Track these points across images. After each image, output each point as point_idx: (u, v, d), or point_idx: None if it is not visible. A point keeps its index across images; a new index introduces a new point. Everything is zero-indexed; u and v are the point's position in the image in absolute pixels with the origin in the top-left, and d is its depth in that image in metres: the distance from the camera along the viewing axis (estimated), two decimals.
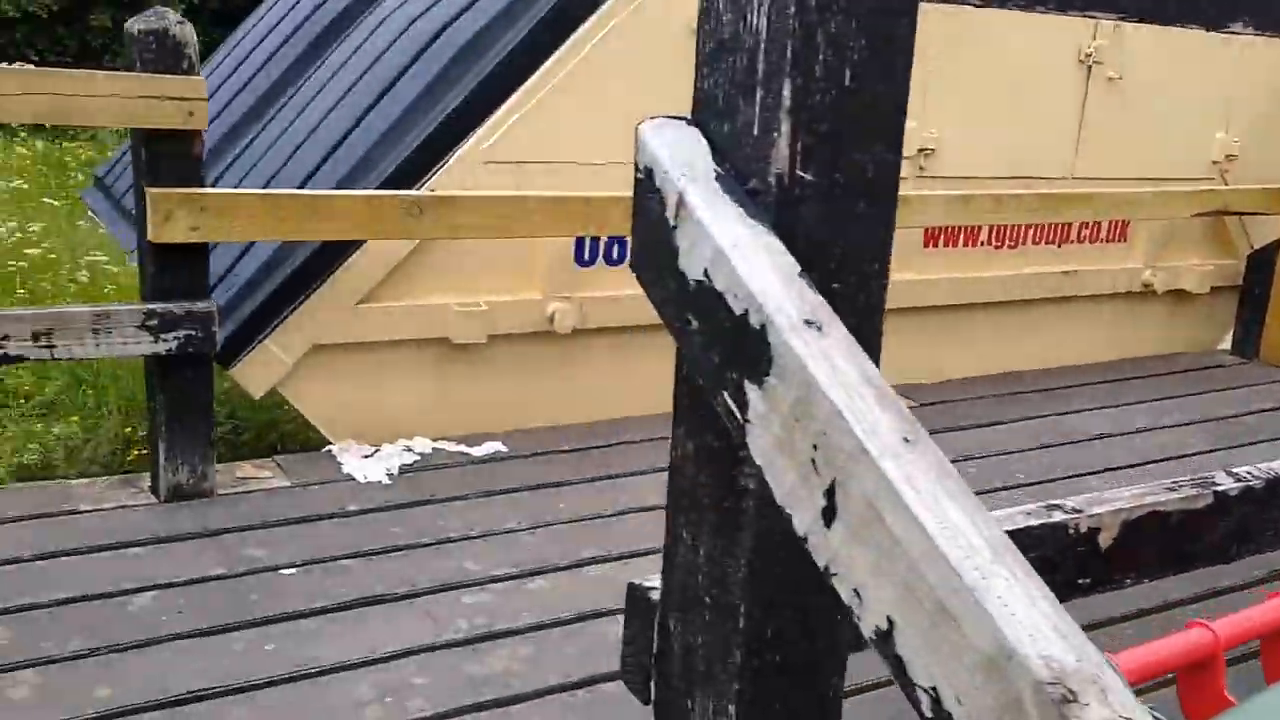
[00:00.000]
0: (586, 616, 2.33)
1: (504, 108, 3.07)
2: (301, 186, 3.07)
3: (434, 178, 3.02)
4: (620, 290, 3.43)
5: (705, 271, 0.85)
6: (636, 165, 0.94)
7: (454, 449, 3.15)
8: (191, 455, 2.68)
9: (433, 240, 3.02)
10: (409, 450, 3.10)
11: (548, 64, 3.10)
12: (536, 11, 3.09)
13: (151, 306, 2.53)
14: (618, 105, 3.24)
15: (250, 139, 3.53)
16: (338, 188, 2.98)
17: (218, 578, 2.37)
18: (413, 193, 2.80)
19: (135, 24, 2.42)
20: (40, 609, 2.19)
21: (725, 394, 0.84)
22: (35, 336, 2.41)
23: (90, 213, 4.50)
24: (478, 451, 3.15)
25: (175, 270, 2.56)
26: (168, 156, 2.48)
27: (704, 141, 0.91)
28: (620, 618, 2.30)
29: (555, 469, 3.09)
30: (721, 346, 0.85)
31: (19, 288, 5.93)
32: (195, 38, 2.47)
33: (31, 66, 11.64)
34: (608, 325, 3.41)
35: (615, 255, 3.42)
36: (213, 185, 3.39)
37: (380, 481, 2.91)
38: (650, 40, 3.23)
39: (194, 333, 2.57)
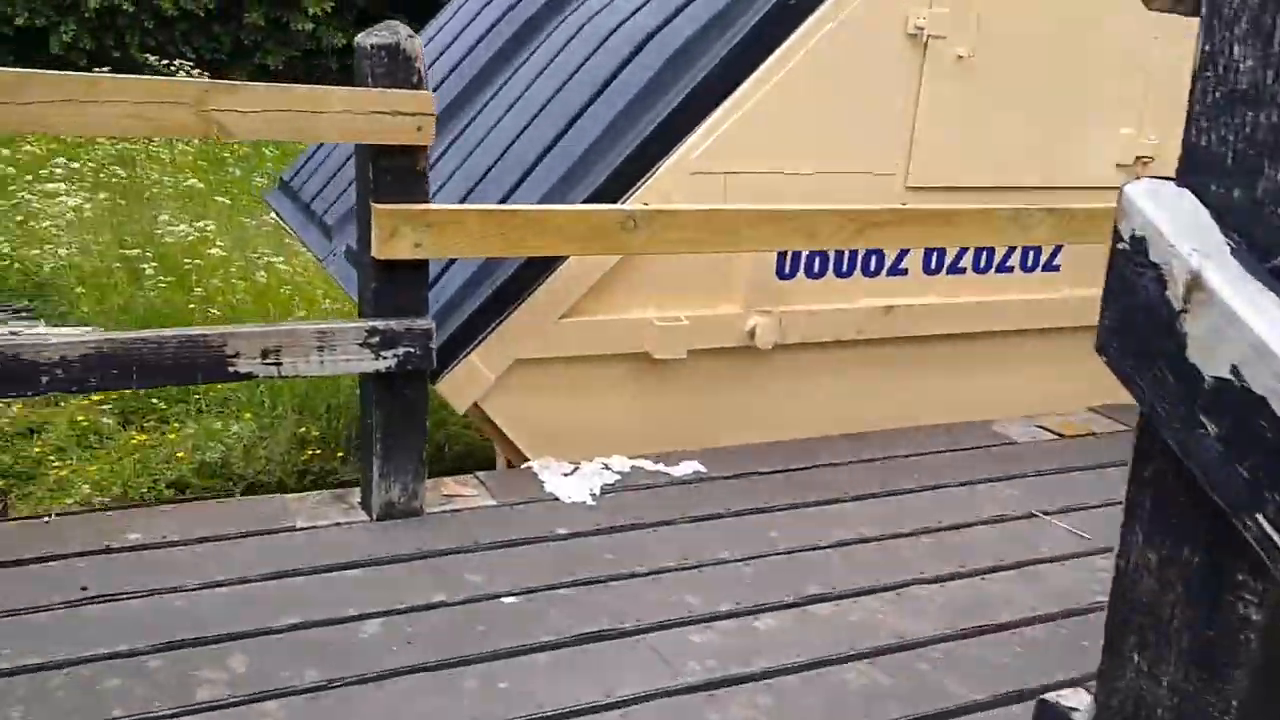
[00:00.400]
0: (823, 662, 2.21)
1: (713, 116, 2.96)
2: (506, 198, 3.01)
3: (641, 189, 2.93)
4: (820, 304, 3.30)
5: (1234, 369, 0.72)
6: (1118, 232, 0.81)
7: (652, 468, 3.06)
8: (404, 473, 2.65)
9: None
10: (607, 469, 3.02)
11: (758, 72, 2.98)
12: (750, 18, 2.97)
13: (373, 324, 2.49)
14: (826, 113, 3.12)
15: (446, 145, 3.49)
16: (544, 199, 2.92)
17: (440, 605, 2.31)
18: (629, 207, 2.71)
19: (367, 38, 2.37)
20: (273, 635, 2.16)
21: (1262, 518, 0.70)
22: (264, 354, 2.39)
23: (275, 215, 4.54)
24: (677, 471, 3.06)
25: (396, 287, 2.52)
26: (393, 172, 2.44)
27: (1203, 208, 0.78)
28: (860, 665, 2.22)
29: (758, 492, 2.97)
30: (1259, 461, 0.71)
31: (195, 285, 6.09)
32: (423, 50, 2.42)
33: (188, 65, 12.02)
34: (807, 340, 3.29)
35: (816, 268, 3.29)
36: None
37: (584, 502, 2.84)
38: (864, 48, 3.09)
39: (413, 350, 2.53)
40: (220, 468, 4.78)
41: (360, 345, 2.48)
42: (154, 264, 6.38)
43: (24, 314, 7.10)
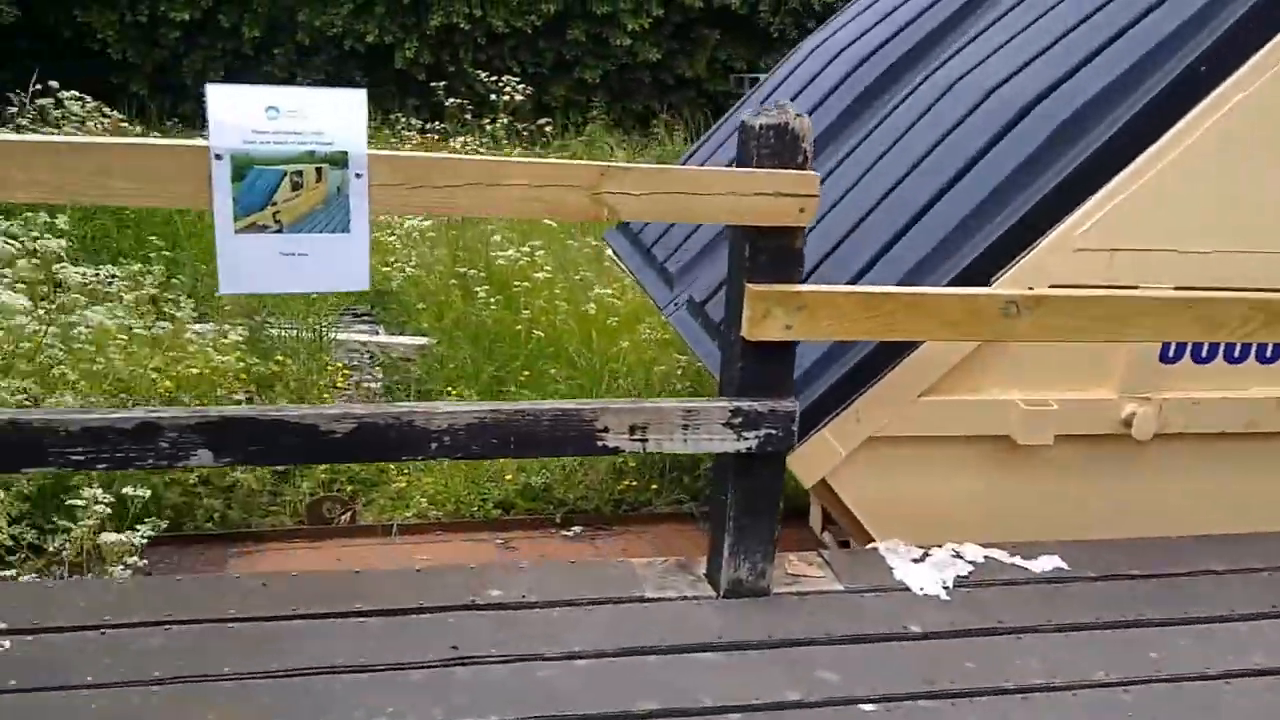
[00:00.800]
0: None
1: (1104, 190, 2.73)
2: (868, 267, 2.90)
3: (1016, 266, 2.74)
4: (1207, 392, 2.99)
5: None
6: None
7: (1008, 560, 2.86)
8: (754, 553, 2.59)
9: None
10: (958, 557, 2.85)
11: (1160, 143, 2.72)
12: (1154, 85, 2.71)
13: (737, 404, 2.44)
14: (1232, 188, 2.81)
15: None
16: (910, 272, 2.79)
17: (797, 706, 2.24)
18: (1011, 292, 2.53)
19: (757, 119, 2.33)
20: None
21: None
22: (632, 430, 2.40)
23: (612, 253, 4.64)
24: (1035, 566, 2.84)
25: (762, 367, 2.46)
26: (769, 251, 2.38)
27: None
28: None
29: (1131, 600, 2.71)
30: None
31: (523, 307, 6.35)
32: (811, 130, 2.34)
33: (514, 81, 12.64)
34: (1189, 430, 2.98)
35: (1204, 352, 2.98)
36: None
37: (937, 596, 2.68)
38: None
39: (775, 431, 2.46)
40: (542, 491, 4.95)
41: (724, 425, 2.44)
42: (485, 284, 6.72)
43: (365, 318, 7.67)
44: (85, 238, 7.46)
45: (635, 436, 2.41)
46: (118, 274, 5.50)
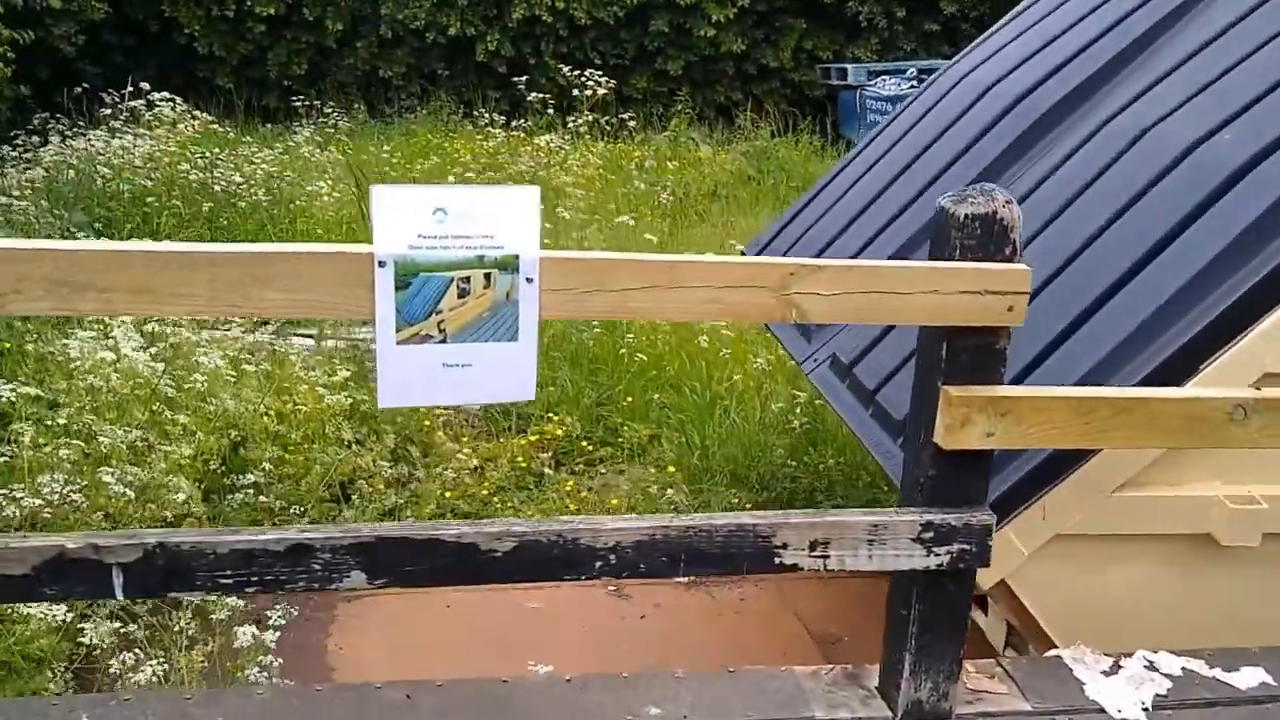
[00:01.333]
0: None
1: None
2: (1050, 351, 2.65)
3: (1228, 353, 2.47)
4: None
5: None
6: None
7: (1208, 673, 2.60)
8: (936, 672, 2.36)
9: None
10: (1153, 669, 2.60)
11: None
12: None
13: (928, 517, 2.21)
14: None
15: None
16: (1105, 364, 2.53)
17: None
18: (1237, 393, 2.26)
19: (959, 206, 2.08)
20: None
21: None
22: (812, 545, 2.18)
23: None
24: (1240, 681, 2.58)
25: (956, 476, 2.23)
26: (970, 350, 2.14)
27: None
28: None
29: None
30: None
31: (625, 330, 6.13)
32: (1020, 217, 2.10)
33: (596, 75, 12.39)
34: None
35: None
36: None
37: None
38: None
39: (968, 547, 2.23)
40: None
41: (913, 540, 2.22)
42: None
43: None
44: None
45: (815, 553, 2.19)
46: None
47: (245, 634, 3.04)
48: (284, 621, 3.64)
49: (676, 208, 10.32)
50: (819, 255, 3.79)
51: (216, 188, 8.30)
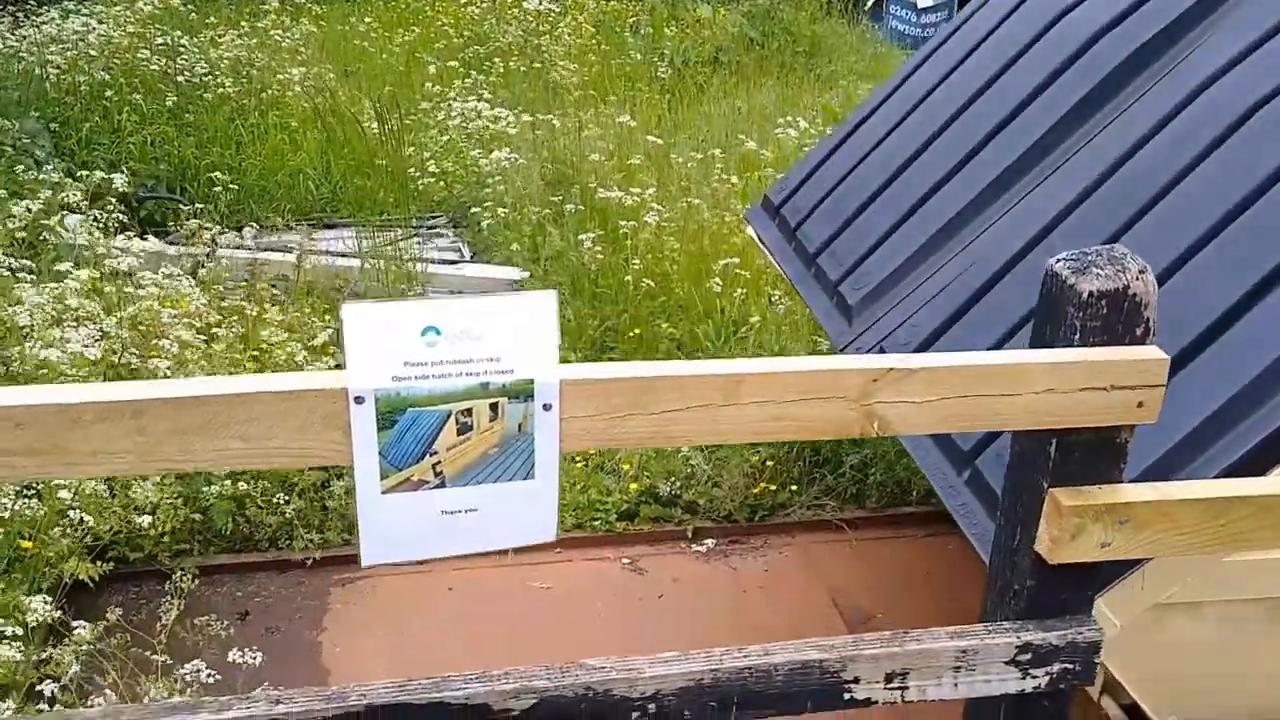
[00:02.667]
0: None
1: None
2: None
3: None
4: None
5: None
6: None
7: None
8: None
9: None
10: None
11: None
12: None
13: (1027, 637, 1.86)
14: None
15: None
16: (1211, 422, 2.14)
17: None
18: None
19: (1082, 282, 1.65)
20: None
21: None
22: (888, 678, 1.84)
23: (757, 239, 3.96)
24: None
25: (1059, 589, 1.87)
26: (1083, 448, 1.75)
27: None
28: None
29: None
30: None
31: (631, 252, 5.68)
32: (1155, 289, 1.67)
33: None
34: None
35: None
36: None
37: None
38: None
39: (1072, 666, 1.89)
40: (669, 498, 4.44)
41: (1007, 663, 1.87)
42: (584, 214, 6.05)
43: (436, 230, 7.05)
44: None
45: (892, 685, 1.85)
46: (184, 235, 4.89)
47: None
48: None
49: (675, 81, 9.65)
50: (851, 224, 3.34)
51: (180, 78, 7.67)
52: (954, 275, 2.95)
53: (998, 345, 2.58)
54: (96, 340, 3.53)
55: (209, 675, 3.00)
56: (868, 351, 3.03)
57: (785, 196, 3.78)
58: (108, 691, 2.92)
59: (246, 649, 3.15)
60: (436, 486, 1.53)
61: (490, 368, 1.48)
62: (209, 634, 3.27)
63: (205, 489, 3.63)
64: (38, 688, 2.92)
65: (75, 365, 3.39)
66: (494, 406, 1.50)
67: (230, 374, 3.88)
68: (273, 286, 5.26)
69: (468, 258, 6.62)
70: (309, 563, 3.91)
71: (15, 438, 1.38)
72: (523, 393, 1.50)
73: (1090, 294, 1.65)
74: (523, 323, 1.48)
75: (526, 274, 6.07)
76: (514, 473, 1.55)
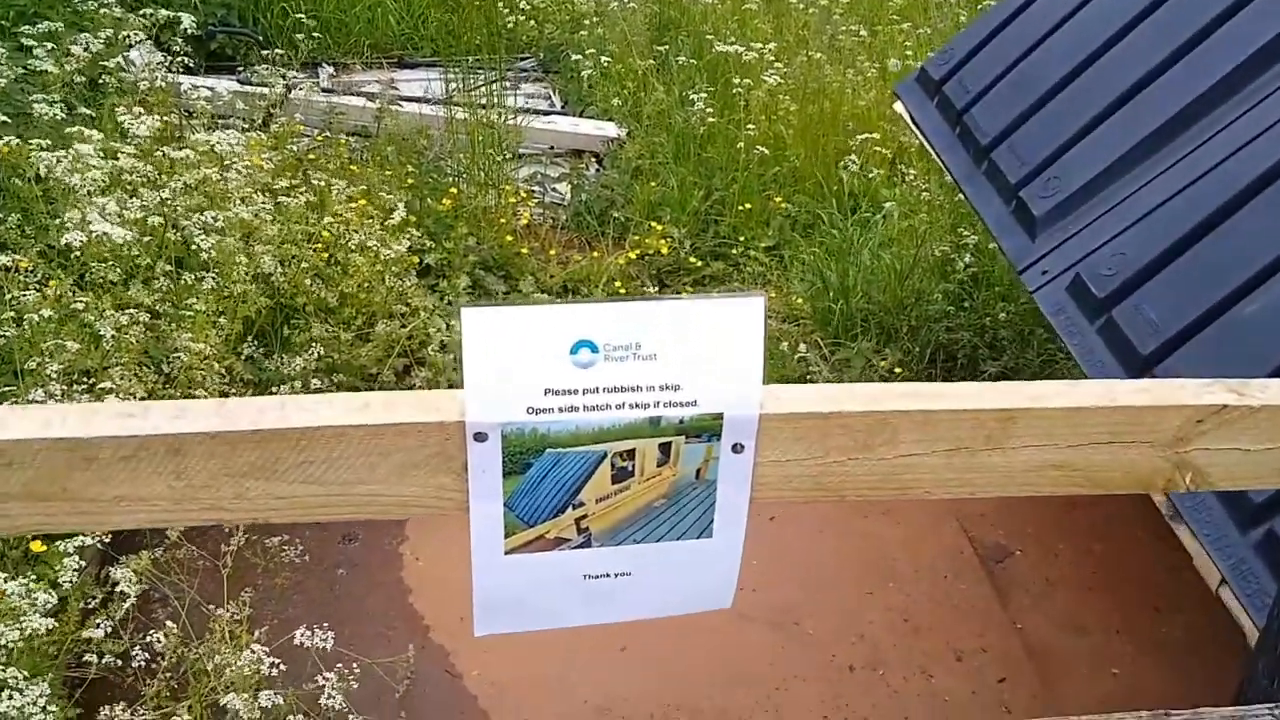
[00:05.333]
0: None
1: None
2: None
3: None
4: None
5: None
6: None
7: None
8: None
9: None
10: None
11: None
12: None
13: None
14: None
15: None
16: None
17: None
18: None
19: None
20: None
21: None
22: None
23: (909, 119, 3.39)
24: None
25: None
26: None
27: None
28: None
29: None
30: None
31: (745, 118, 5.09)
32: None
33: None
34: None
35: None
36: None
37: None
38: None
39: None
40: None
41: None
42: (689, 59, 5.44)
43: (524, 74, 6.49)
44: None
45: None
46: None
47: None
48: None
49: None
50: (1036, 113, 2.77)
51: None
52: (1175, 189, 2.41)
53: (1246, 293, 2.07)
54: (150, 211, 3.13)
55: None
56: (1055, 279, 2.53)
57: (949, 71, 3.19)
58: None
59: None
60: (580, 546, 1.11)
61: (666, 398, 1.03)
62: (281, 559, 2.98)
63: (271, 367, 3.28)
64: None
65: (129, 227, 2.99)
66: (664, 447, 1.07)
67: (300, 250, 3.46)
68: (350, 139, 4.81)
69: (559, 108, 6.08)
70: None
71: (8, 479, 0.98)
72: (707, 431, 1.06)
73: None
74: (716, 336, 1.03)
75: (625, 130, 5.54)
76: (686, 529, 1.12)
